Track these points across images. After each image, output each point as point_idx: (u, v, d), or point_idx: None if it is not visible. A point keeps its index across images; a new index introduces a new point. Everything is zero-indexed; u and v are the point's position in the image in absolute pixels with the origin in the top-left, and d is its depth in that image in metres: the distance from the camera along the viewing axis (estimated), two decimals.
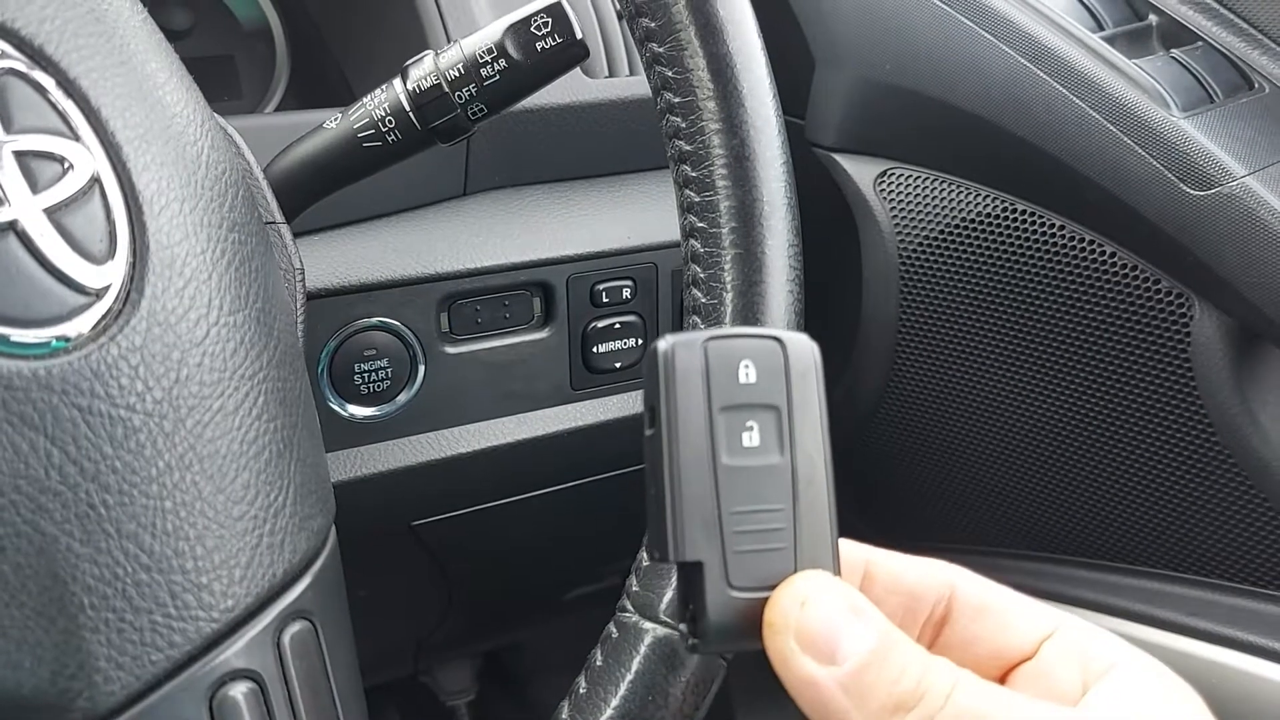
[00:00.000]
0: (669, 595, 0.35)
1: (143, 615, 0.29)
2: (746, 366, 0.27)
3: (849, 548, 0.29)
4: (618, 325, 0.63)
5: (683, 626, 0.27)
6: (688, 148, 0.38)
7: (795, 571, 0.27)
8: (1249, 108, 0.60)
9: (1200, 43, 0.64)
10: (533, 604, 0.87)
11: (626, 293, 0.63)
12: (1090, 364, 0.62)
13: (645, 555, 0.36)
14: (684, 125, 0.38)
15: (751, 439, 0.27)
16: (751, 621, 0.27)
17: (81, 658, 0.28)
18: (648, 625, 0.35)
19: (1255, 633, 0.60)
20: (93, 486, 0.29)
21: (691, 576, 0.27)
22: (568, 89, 0.61)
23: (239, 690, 0.30)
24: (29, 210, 0.29)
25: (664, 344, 0.27)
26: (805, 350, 0.28)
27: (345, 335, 0.56)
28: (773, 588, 0.27)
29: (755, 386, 0.27)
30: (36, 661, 0.28)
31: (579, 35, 0.43)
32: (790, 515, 0.27)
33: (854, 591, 0.27)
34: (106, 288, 0.30)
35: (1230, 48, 0.63)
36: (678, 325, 0.66)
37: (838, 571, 0.27)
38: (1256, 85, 0.62)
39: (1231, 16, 0.64)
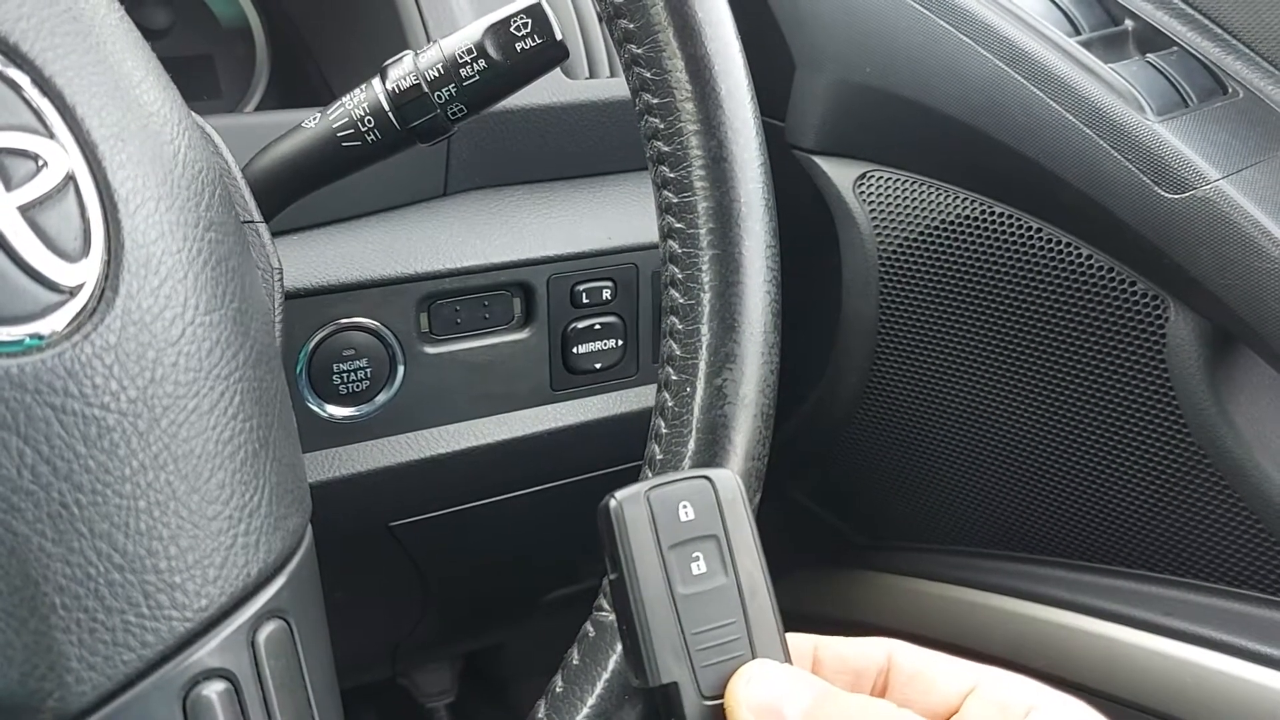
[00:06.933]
0: None
1: (115, 615, 0.29)
2: (685, 506, 0.31)
3: (797, 639, 0.33)
4: (598, 326, 0.63)
5: None
6: (666, 149, 0.38)
7: None
8: (1223, 112, 0.60)
9: (1175, 48, 0.64)
10: (511, 605, 0.87)
11: (607, 293, 0.63)
12: (1067, 365, 0.62)
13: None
14: (662, 126, 0.38)
15: (699, 567, 0.31)
16: None
17: (53, 658, 0.28)
18: None
19: (1230, 632, 0.61)
20: (65, 486, 0.28)
21: (669, 695, 0.31)
22: (548, 90, 0.61)
23: (213, 690, 0.30)
24: (2, 207, 0.29)
25: (613, 501, 0.31)
26: (730, 483, 0.32)
27: (324, 335, 0.55)
28: None
29: (695, 522, 0.31)
30: (6, 662, 0.27)
31: (558, 36, 0.43)
32: (743, 625, 0.31)
33: (791, 666, 0.31)
34: (81, 286, 0.30)
35: (1205, 53, 0.64)
36: (657, 326, 0.66)
37: (788, 660, 0.32)
38: (1230, 90, 0.63)
39: (1206, 22, 0.64)
